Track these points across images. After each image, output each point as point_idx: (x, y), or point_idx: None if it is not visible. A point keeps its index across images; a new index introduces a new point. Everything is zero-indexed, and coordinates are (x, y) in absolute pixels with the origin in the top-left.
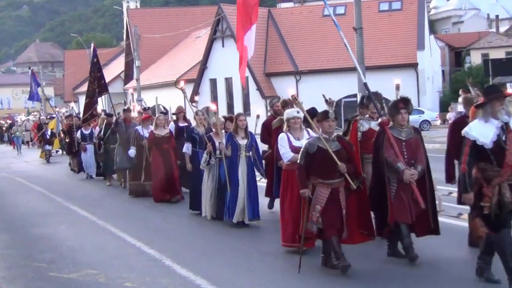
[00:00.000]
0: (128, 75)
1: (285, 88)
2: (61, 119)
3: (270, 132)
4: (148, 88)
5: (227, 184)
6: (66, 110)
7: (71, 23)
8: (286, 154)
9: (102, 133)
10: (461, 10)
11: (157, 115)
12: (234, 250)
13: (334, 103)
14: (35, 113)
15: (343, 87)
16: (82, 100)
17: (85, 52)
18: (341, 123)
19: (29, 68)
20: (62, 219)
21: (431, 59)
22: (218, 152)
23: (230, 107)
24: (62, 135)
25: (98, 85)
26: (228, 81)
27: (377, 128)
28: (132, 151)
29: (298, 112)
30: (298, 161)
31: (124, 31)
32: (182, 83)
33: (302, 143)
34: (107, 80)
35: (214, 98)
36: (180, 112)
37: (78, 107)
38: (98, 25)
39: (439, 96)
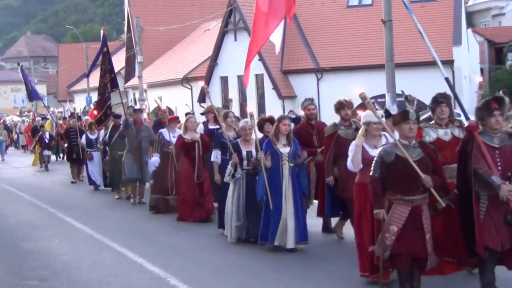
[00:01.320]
0: (129, 72)
1: (305, 87)
2: (56, 120)
3: (306, 142)
4: (151, 87)
5: (267, 200)
6: (59, 111)
7: (66, 13)
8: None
9: (107, 137)
10: (502, 1)
11: (187, 116)
12: (246, 268)
13: (415, 102)
14: (27, 113)
15: (369, 87)
16: (78, 99)
17: (82, 46)
18: None
19: (18, 65)
20: (55, 231)
21: (469, 55)
22: (245, 163)
23: (243, 108)
24: (58, 139)
25: (110, 79)
26: (241, 79)
27: (446, 138)
28: (155, 159)
29: (382, 117)
30: (371, 173)
31: (125, 22)
32: (204, 87)
33: None
34: None
35: (225, 98)
36: (210, 112)
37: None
38: (96, 16)
39: (477, 97)
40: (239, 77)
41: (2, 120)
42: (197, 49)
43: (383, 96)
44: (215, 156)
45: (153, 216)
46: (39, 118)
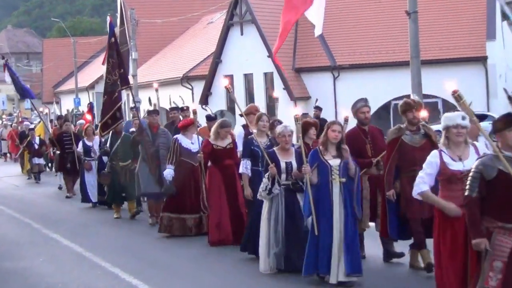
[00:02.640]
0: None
1: (320, 87)
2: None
3: (358, 151)
4: (147, 87)
5: (312, 224)
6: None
7: (51, 4)
8: (419, 184)
9: (108, 144)
10: None
11: (223, 123)
12: None
13: None
14: (5, 116)
15: (392, 86)
16: (65, 100)
17: (69, 41)
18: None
19: (3, 58)
20: (40, 250)
21: (504, 51)
22: (283, 176)
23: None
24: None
25: (119, 75)
26: (248, 78)
27: None
28: (169, 172)
29: (463, 119)
30: (467, 193)
31: (118, 15)
32: (225, 82)
33: (466, 164)
34: (95, 77)
35: (230, 99)
36: (252, 112)
37: (60, 109)
38: (85, 7)
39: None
40: (245, 75)
41: None
42: (198, 45)
43: (407, 97)
44: (245, 166)
45: (147, 234)
46: (28, 122)
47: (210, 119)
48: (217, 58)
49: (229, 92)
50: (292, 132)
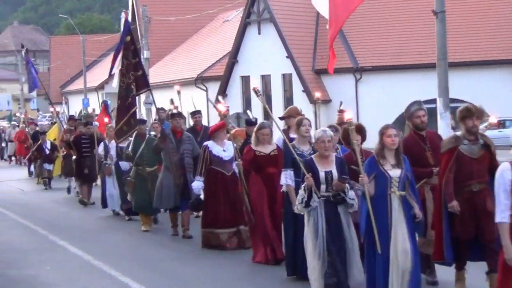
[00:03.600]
0: None
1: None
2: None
3: (417, 159)
4: (159, 87)
5: (370, 240)
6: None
7: (59, 0)
8: (505, 211)
9: (131, 148)
10: None
11: (262, 127)
12: None
13: None
14: (18, 114)
15: (417, 90)
16: (73, 101)
17: (78, 39)
18: None
19: (23, 47)
20: (46, 257)
21: None
22: (323, 187)
23: (267, 112)
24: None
25: (135, 78)
26: (265, 80)
27: None
28: (198, 184)
29: None
30: None
31: (130, 11)
32: (256, 89)
33: None
34: (104, 77)
35: (247, 101)
36: (292, 115)
37: (68, 110)
38: (94, 3)
39: None
40: (263, 76)
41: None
42: (214, 44)
43: (433, 101)
44: (287, 177)
45: (162, 242)
46: (42, 122)
47: (250, 123)
48: (233, 58)
49: (258, 96)
50: (332, 137)
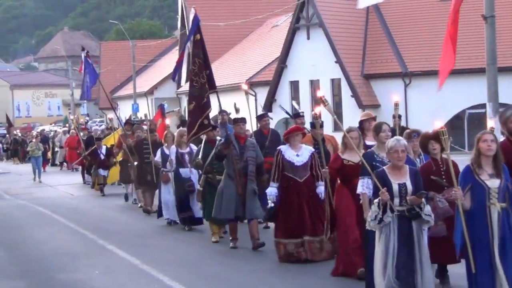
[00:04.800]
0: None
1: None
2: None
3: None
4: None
5: (467, 258)
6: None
7: (109, 6)
8: None
9: (201, 156)
10: None
11: (350, 130)
12: None
13: None
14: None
15: (467, 95)
16: (123, 106)
17: (128, 44)
18: (465, 142)
19: (83, 50)
20: (95, 261)
21: None
22: (396, 201)
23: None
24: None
25: (207, 77)
26: (314, 84)
27: None
28: (272, 190)
29: None
30: None
31: (179, 17)
32: (321, 92)
33: None
34: (156, 81)
35: (294, 107)
36: (368, 120)
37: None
38: (144, 9)
39: None
40: (311, 81)
41: (38, 132)
42: (262, 49)
43: (483, 106)
44: (364, 185)
45: (210, 246)
46: (97, 127)
47: (315, 126)
48: (282, 63)
49: (325, 105)
50: (406, 147)
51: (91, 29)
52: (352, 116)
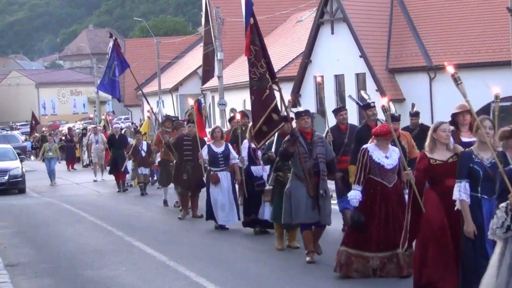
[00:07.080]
0: (207, 70)
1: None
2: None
3: None
4: (232, 88)
5: None
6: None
7: (133, 3)
8: None
9: (273, 150)
10: None
11: (440, 124)
12: None
13: None
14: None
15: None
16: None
17: (152, 41)
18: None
19: (111, 36)
20: (122, 258)
21: None
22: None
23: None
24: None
25: (267, 66)
26: (339, 79)
27: None
28: (356, 194)
29: None
30: None
31: (203, 13)
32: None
33: None
34: (180, 77)
35: (320, 101)
36: (462, 113)
37: (142, 112)
38: (168, 6)
39: None
40: (336, 76)
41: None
42: (287, 44)
43: (509, 98)
44: (461, 190)
45: (239, 242)
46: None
47: (395, 119)
48: (306, 58)
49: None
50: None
51: (115, 26)
52: (377, 109)
